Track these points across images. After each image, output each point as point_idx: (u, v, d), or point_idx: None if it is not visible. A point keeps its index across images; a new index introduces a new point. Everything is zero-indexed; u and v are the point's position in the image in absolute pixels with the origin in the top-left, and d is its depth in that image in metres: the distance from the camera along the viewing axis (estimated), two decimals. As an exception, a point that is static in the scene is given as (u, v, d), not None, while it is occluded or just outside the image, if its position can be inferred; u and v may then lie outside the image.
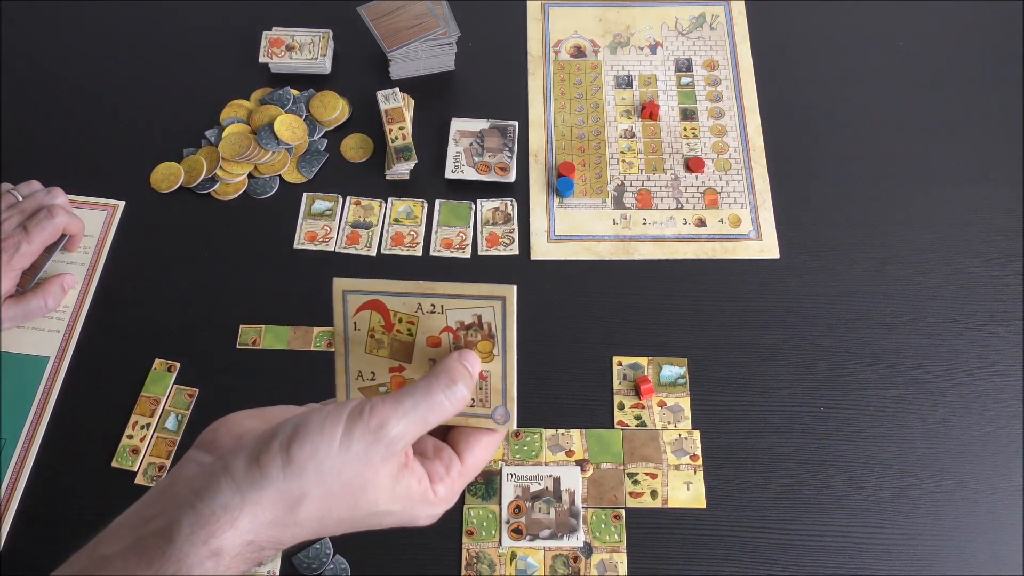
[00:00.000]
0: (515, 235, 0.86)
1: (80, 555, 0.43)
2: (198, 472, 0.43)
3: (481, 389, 0.47)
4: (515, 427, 0.48)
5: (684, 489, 0.73)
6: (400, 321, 0.47)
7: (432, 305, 0.46)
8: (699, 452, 0.75)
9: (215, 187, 0.88)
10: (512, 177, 0.88)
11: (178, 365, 0.78)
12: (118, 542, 0.42)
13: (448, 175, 0.88)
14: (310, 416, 0.43)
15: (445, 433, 0.49)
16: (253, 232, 0.86)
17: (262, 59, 0.94)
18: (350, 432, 0.42)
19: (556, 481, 0.73)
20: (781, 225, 0.86)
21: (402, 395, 0.44)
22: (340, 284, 0.47)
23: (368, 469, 0.43)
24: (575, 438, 0.75)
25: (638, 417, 0.76)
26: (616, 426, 0.76)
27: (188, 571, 0.40)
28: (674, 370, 0.78)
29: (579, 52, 0.97)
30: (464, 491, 0.73)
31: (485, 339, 0.46)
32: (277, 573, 0.70)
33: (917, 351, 0.79)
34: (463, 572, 0.70)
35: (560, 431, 0.76)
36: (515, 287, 0.45)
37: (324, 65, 0.94)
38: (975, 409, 0.77)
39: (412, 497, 0.45)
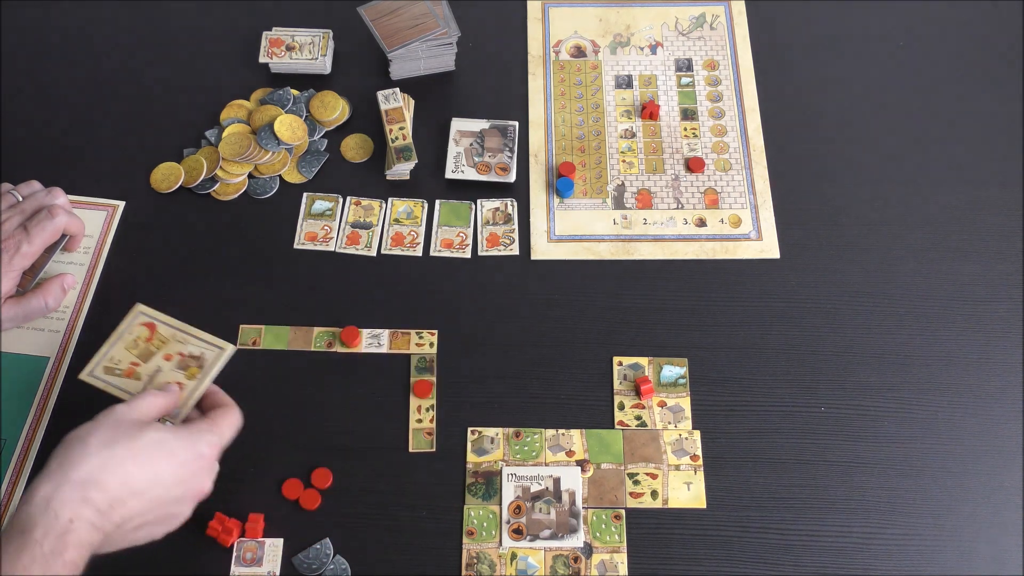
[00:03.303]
0: (515, 235, 0.86)
1: None
2: None
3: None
4: (178, 422, 0.68)
5: (684, 489, 0.73)
6: (156, 338, 0.71)
7: (181, 338, 0.71)
8: (699, 452, 0.75)
9: (215, 187, 0.88)
10: (512, 177, 0.88)
11: (178, 365, 0.78)
12: None
13: (448, 175, 0.88)
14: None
15: None
16: (253, 232, 0.86)
17: (262, 59, 0.94)
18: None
19: (556, 481, 0.73)
20: (781, 225, 0.86)
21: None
22: (140, 308, 0.73)
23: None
24: (575, 438, 0.76)
25: (638, 417, 0.76)
26: (616, 426, 0.76)
27: None
28: (674, 370, 0.78)
29: (579, 52, 0.97)
30: (464, 491, 0.73)
31: (196, 367, 0.70)
32: (277, 573, 0.70)
33: (917, 351, 0.79)
34: (463, 572, 0.70)
35: (560, 431, 0.76)
36: (234, 348, 0.71)
37: (324, 65, 0.94)
38: (975, 409, 0.77)
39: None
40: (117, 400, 0.66)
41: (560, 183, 0.87)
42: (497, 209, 0.87)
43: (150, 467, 0.61)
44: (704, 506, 0.73)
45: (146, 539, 0.64)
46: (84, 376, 0.71)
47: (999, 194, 0.87)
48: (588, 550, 0.71)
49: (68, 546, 0.56)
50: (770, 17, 0.99)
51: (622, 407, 0.77)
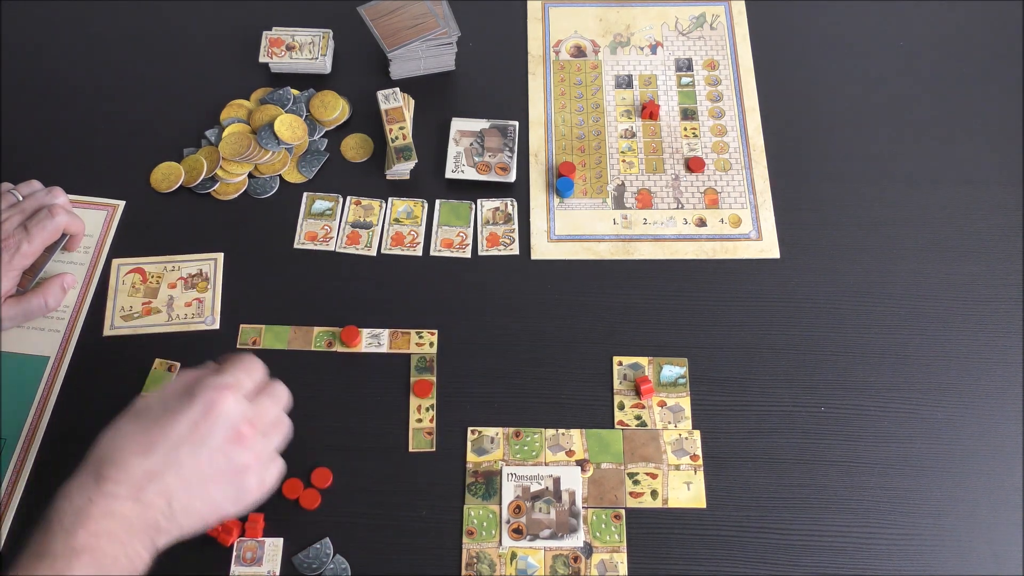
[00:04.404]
0: (515, 235, 0.86)
1: None
2: None
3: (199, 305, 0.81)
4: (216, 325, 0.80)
5: (684, 489, 0.73)
6: (150, 276, 0.80)
7: (172, 266, 0.81)
8: (699, 452, 0.75)
9: (215, 187, 0.88)
10: (512, 177, 0.88)
11: (178, 365, 0.78)
12: None
13: (448, 175, 0.88)
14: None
15: None
16: (253, 232, 0.86)
17: (262, 59, 0.94)
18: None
19: (556, 481, 0.73)
20: (781, 225, 0.86)
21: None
22: (117, 262, 0.82)
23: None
24: (575, 438, 0.76)
25: (638, 417, 0.76)
26: (616, 426, 0.76)
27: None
28: (674, 370, 0.78)
29: (579, 52, 0.97)
30: (464, 491, 0.73)
31: (203, 281, 0.79)
32: (277, 573, 0.70)
33: (917, 351, 0.79)
34: (463, 572, 0.70)
35: (560, 431, 0.76)
36: (221, 254, 0.83)
37: (324, 65, 0.94)
38: (975, 409, 0.77)
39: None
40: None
41: (560, 183, 0.87)
42: (497, 209, 0.87)
43: (149, 421, 0.61)
44: (704, 506, 0.73)
45: (230, 506, 0.63)
46: (109, 331, 0.79)
47: (999, 194, 0.87)
48: (588, 550, 0.71)
49: (89, 518, 0.56)
50: (770, 17, 0.99)
51: (622, 407, 0.77)
